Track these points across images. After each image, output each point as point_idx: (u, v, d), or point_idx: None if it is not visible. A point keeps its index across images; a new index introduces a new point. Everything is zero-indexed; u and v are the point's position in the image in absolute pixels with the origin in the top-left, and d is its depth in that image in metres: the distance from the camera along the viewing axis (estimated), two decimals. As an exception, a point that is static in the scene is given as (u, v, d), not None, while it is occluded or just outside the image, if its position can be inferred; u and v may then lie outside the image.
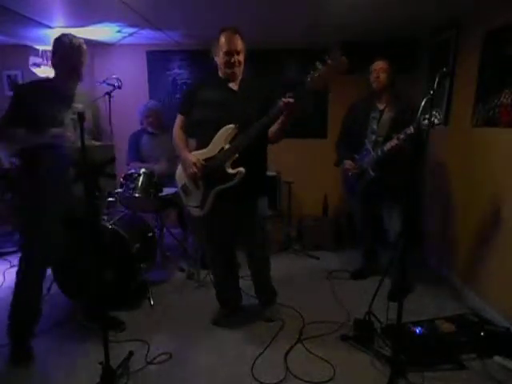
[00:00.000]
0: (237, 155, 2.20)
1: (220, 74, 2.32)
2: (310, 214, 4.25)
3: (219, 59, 2.26)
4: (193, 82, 2.41)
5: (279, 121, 2.17)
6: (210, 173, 2.28)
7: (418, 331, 2.29)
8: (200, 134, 2.37)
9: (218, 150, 2.25)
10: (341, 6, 2.81)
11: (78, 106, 2.15)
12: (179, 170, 2.48)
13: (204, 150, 2.30)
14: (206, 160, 2.29)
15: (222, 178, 2.25)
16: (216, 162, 2.25)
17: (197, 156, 2.31)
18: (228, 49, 2.20)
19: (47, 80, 2.35)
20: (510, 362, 2.15)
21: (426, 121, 2.35)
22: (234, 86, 2.31)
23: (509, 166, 2.50)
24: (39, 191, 2.16)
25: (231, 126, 2.21)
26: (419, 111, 2.02)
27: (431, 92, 1.91)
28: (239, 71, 2.29)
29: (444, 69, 2.04)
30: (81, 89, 2.28)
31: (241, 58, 2.25)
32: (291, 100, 2.02)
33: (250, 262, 2.61)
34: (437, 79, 1.95)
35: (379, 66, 2.81)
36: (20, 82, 4.26)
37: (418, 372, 2.07)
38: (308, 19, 3.23)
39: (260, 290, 2.72)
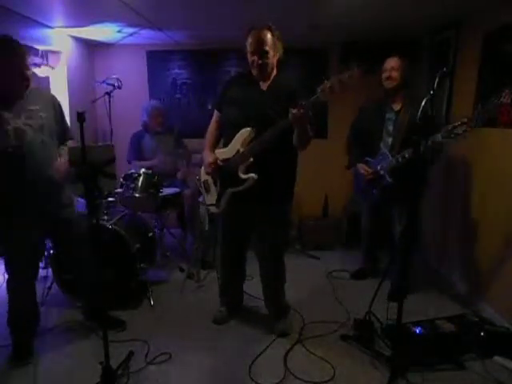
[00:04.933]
0: (251, 160, 2.17)
1: (253, 73, 2.26)
2: (310, 214, 4.24)
3: (248, 58, 2.21)
4: (230, 76, 2.37)
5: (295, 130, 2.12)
6: (224, 174, 2.28)
7: (418, 331, 2.29)
8: (225, 132, 2.36)
9: (234, 153, 2.23)
10: (341, 5, 2.80)
11: (34, 108, 2.10)
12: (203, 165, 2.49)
13: (224, 149, 2.31)
14: (224, 160, 2.28)
15: (233, 181, 2.24)
16: (230, 165, 2.23)
17: (216, 155, 2.31)
18: (254, 49, 2.15)
19: None
20: (510, 362, 2.15)
21: (460, 130, 2.28)
22: (264, 85, 2.25)
23: (509, 165, 2.50)
24: (5, 195, 2.10)
25: (248, 129, 2.16)
26: (419, 111, 2.01)
27: (431, 92, 1.91)
28: (268, 71, 2.22)
29: (444, 69, 2.04)
30: (37, 88, 2.22)
31: (269, 58, 2.17)
32: (298, 113, 1.96)
33: (261, 270, 2.52)
34: (437, 79, 1.94)
35: (390, 64, 2.69)
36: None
37: (417, 372, 2.07)
38: (308, 19, 3.23)
39: (271, 302, 2.58)
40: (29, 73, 2.06)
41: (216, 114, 2.43)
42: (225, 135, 2.37)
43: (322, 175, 4.23)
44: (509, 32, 2.49)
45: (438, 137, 2.39)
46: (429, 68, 3.71)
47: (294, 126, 2.07)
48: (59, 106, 2.30)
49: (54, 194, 2.21)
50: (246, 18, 3.06)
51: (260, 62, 2.15)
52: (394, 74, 2.68)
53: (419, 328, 2.31)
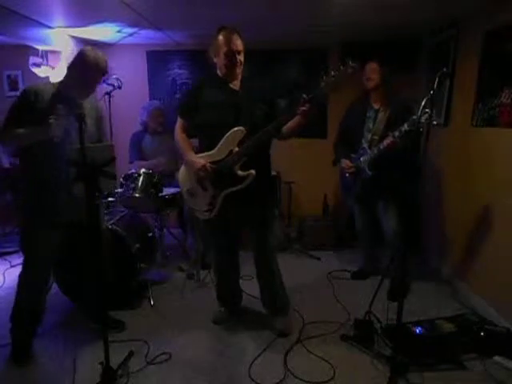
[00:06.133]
0: (246, 158, 2.18)
1: (220, 74, 2.27)
2: (310, 214, 4.24)
3: (219, 60, 2.21)
4: (192, 83, 2.35)
5: (294, 121, 2.16)
6: (219, 176, 2.24)
7: (418, 331, 2.29)
8: (205, 135, 2.33)
9: (226, 153, 2.21)
10: (341, 5, 2.81)
11: (82, 112, 2.15)
12: (183, 172, 2.44)
13: (211, 152, 2.25)
14: (214, 162, 2.24)
15: (231, 181, 2.22)
16: (226, 165, 2.21)
17: (204, 158, 2.26)
18: (228, 49, 2.15)
19: (55, 84, 2.25)
20: (510, 361, 2.15)
21: (423, 119, 2.35)
22: (235, 86, 2.27)
23: (509, 166, 2.50)
24: (39, 191, 2.15)
25: (240, 128, 2.16)
26: (420, 110, 2.02)
27: (431, 92, 1.91)
28: (240, 71, 2.25)
29: (444, 69, 2.04)
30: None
31: (242, 57, 2.22)
32: (307, 108, 2.03)
33: (257, 266, 2.51)
34: (437, 79, 1.94)
35: (370, 67, 2.87)
36: (21, 83, 4.26)
37: (417, 372, 2.07)
38: (308, 19, 3.23)
39: (269, 299, 2.56)
40: (97, 85, 2.21)
41: (181, 120, 2.37)
42: (204, 138, 2.34)
43: (322, 175, 4.22)
44: (509, 31, 2.49)
45: (405, 126, 2.57)
46: (429, 68, 3.71)
47: (301, 120, 2.12)
48: (101, 112, 2.42)
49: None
50: (246, 17, 3.07)
51: (234, 61, 2.18)
52: (373, 75, 2.86)
53: (419, 328, 2.31)
